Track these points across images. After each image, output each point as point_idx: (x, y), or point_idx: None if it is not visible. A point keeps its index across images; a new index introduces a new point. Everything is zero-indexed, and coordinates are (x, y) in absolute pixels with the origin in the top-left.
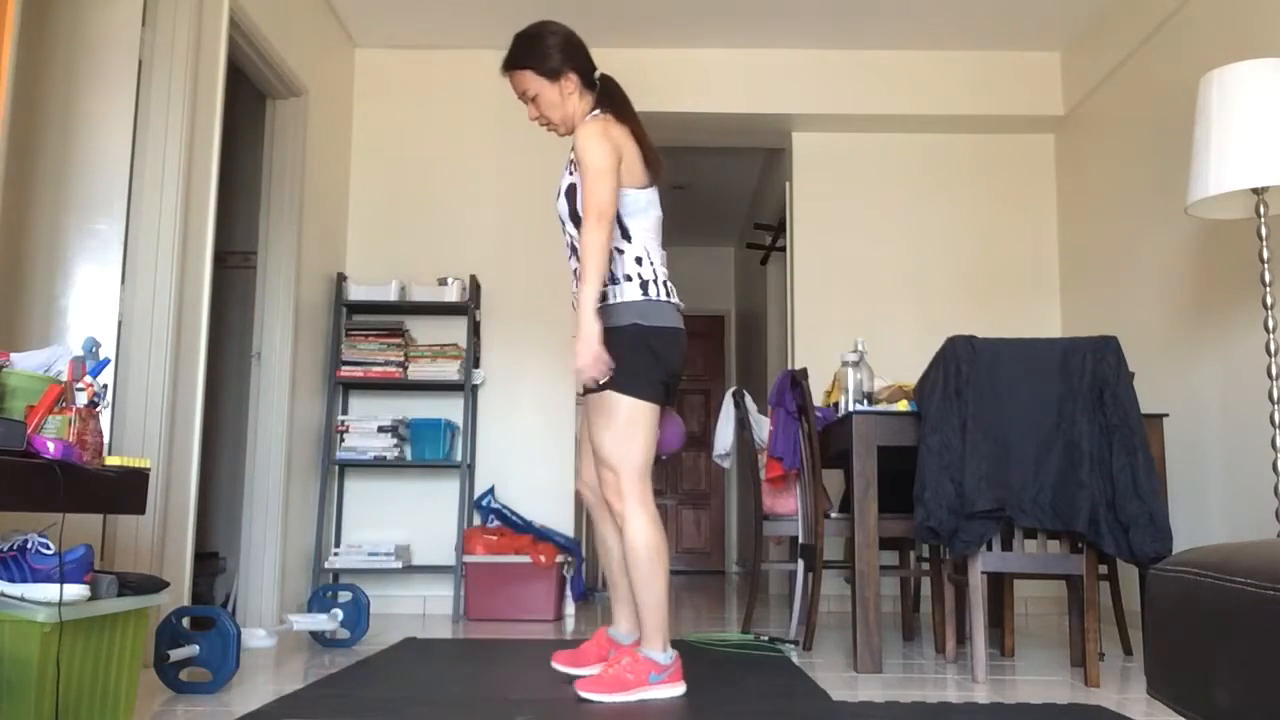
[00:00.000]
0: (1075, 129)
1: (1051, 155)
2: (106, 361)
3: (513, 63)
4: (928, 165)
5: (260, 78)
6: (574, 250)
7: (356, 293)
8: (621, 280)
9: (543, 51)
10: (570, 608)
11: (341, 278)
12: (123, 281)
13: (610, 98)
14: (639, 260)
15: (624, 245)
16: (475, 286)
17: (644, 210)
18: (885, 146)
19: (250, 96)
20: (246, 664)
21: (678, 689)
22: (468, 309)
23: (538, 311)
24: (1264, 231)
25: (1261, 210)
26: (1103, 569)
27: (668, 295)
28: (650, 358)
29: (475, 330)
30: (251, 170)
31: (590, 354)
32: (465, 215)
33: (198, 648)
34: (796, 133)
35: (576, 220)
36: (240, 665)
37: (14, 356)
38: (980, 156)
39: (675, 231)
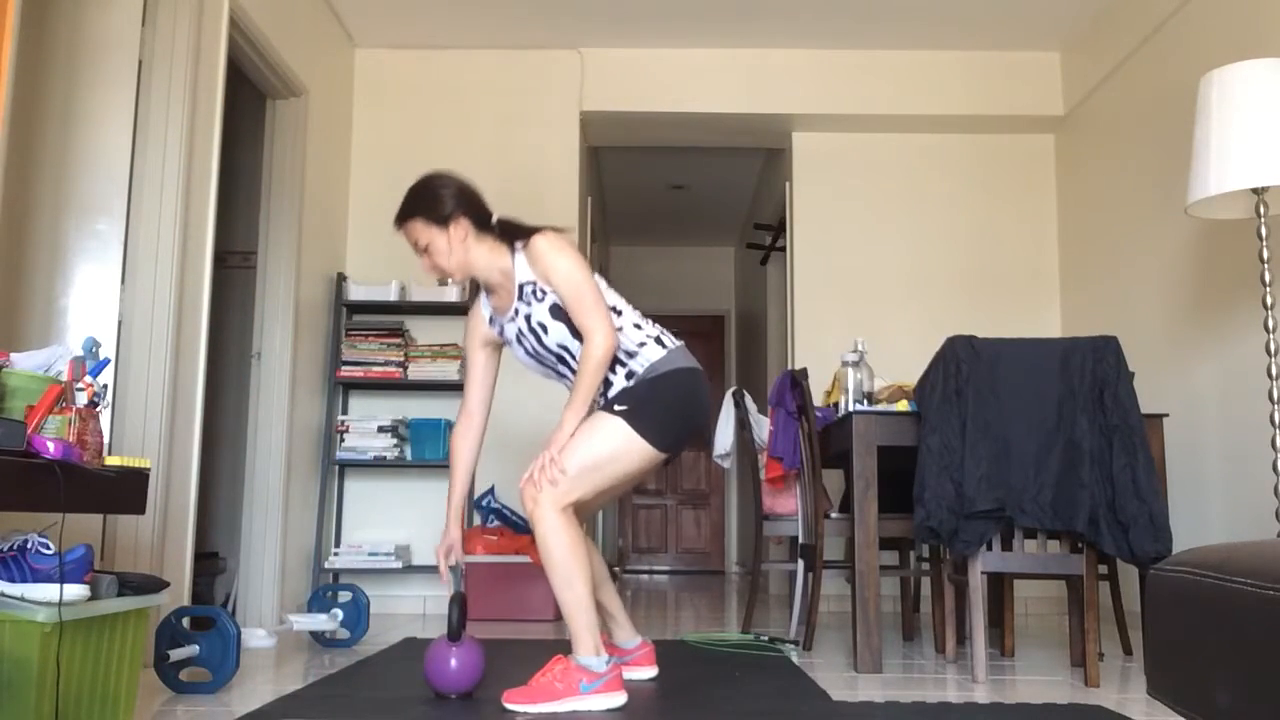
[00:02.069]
0: (1075, 129)
1: (1051, 155)
2: (106, 361)
3: (403, 215)
4: (928, 165)
5: (260, 78)
6: (571, 364)
7: (356, 293)
8: (637, 350)
9: (431, 200)
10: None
11: (341, 278)
12: (123, 281)
13: (511, 232)
14: (639, 326)
15: (619, 321)
16: (475, 286)
17: (608, 289)
18: (885, 146)
19: (250, 96)
20: (246, 664)
21: (616, 699)
22: (468, 309)
23: None
24: (1264, 231)
25: (1261, 210)
26: (1103, 569)
27: (678, 342)
28: (685, 398)
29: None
30: (251, 170)
31: (546, 457)
32: None
33: (198, 648)
34: (796, 133)
35: (578, 334)
36: (240, 665)
37: (14, 356)
38: (980, 156)
39: (675, 231)
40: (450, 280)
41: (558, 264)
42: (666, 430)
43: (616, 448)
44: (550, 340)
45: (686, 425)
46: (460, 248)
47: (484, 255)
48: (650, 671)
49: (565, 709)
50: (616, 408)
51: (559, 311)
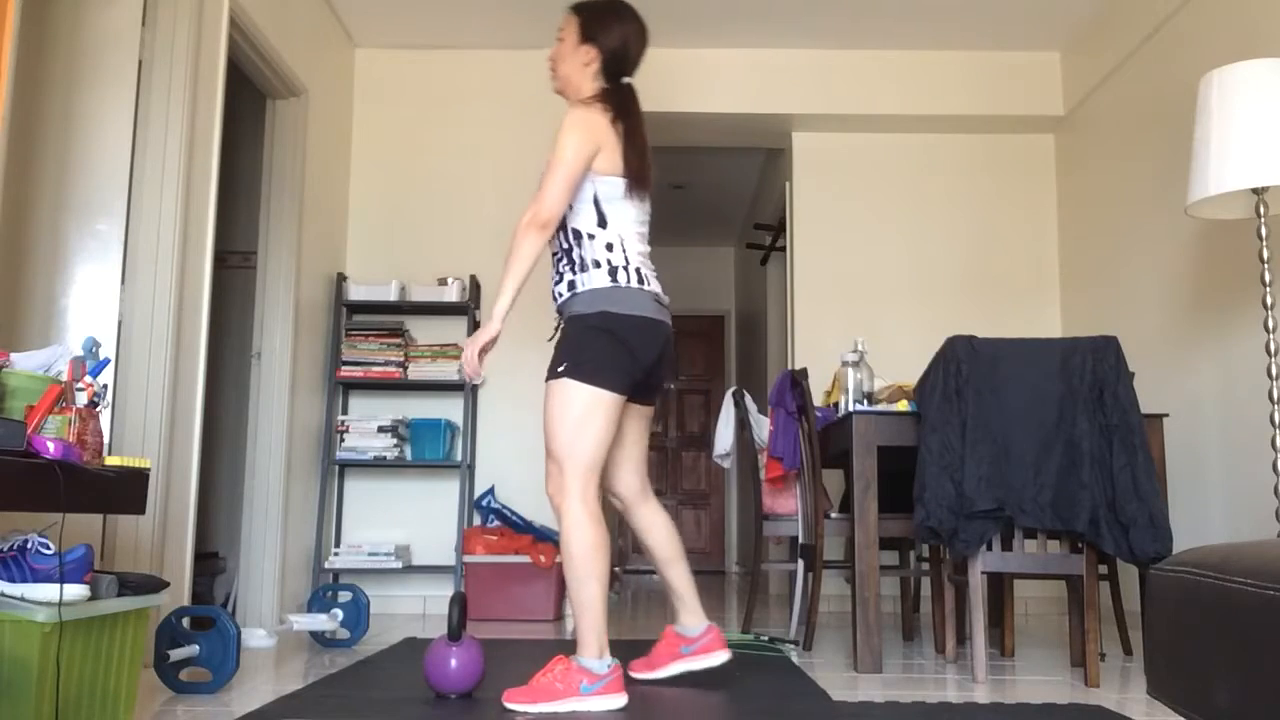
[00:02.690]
0: (1075, 129)
1: (1051, 155)
2: (106, 361)
3: (576, 7)
4: (928, 165)
5: (260, 78)
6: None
7: (356, 293)
8: (590, 267)
9: (600, 17)
10: (570, 608)
11: (341, 278)
12: (123, 281)
13: (619, 97)
14: (609, 246)
15: (596, 231)
16: (475, 286)
17: (621, 199)
18: (885, 146)
19: (250, 96)
20: (246, 664)
21: (616, 700)
22: (468, 309)
23: (538, 311)
24: (1264, 231)
25: (1261, 210)
26: (1103, 569)
27: (640, 283)
28: (616, 346)
29: (475, 330)
30: (251, 170)
31: (468, 352)
32: (465, 215)
33: (198, 648)
34: (796, 133)
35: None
36: (240, 665)
37: (14, 356)
38: (980, 156)
39: (675, 231)
40: (552, 80)
41: (563, 138)
42: (610, 374)
43: (579, 408)
44: None
45: (633, 364)
46: (576, 67)
47: (581, 90)
48: (723, 656)
49: (565, 709)
50: (558, 370)
51: None
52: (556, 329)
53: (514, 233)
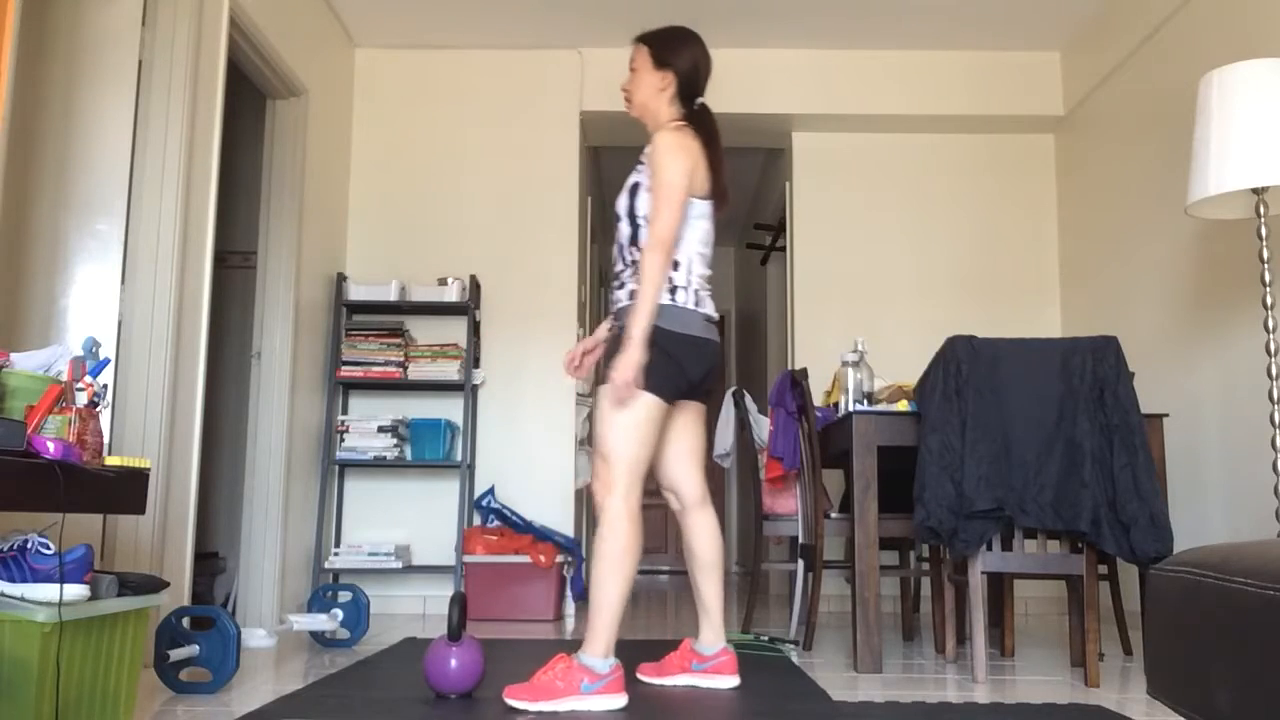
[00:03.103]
0: (1075, 129)
1: (1051, 155)
2: (106, 361)
3: (643, 37)
4: (928, 165)
5: (260, 78)
6: (621, 249)
7: (356, 293)
8: None
9: (669, 43)
10: (570, 608)
11: (341, 278)
12: (123, 281)
13: (700, 120)
14: (676, 265)
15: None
16: (475, 286)
17: (697, 219)
18: (885, 146)
19: (250, 96)
20: (246, 664)
21: (616, 700)
22: (468, 309)
23: (538, 311)
24: (1264, 231)
25: (1261, 210)
26: (1103, 569)
27: (696, 304)
28: (665, 360)
29: (475, 330)
30: (251, 170)
31: (624, 380)
32: (465, 215)
33: (198, 648)
34: (796, 133)
35: (631, 218)
36: (240, 665)
37: (14, 356)
38: (980, 156)
39: None
40: (628, 108)
41: (665, 161)
42: (661, 382)
43: (630, 409)
44: (621, 206)
45: (680, 377)
46: (653, 93)
47: (661, 115)
48: (731, 681)
49: (565, 708)
50: (612, 375)
51: (635, 190)
52: (610, 331)
53: (644, 259)
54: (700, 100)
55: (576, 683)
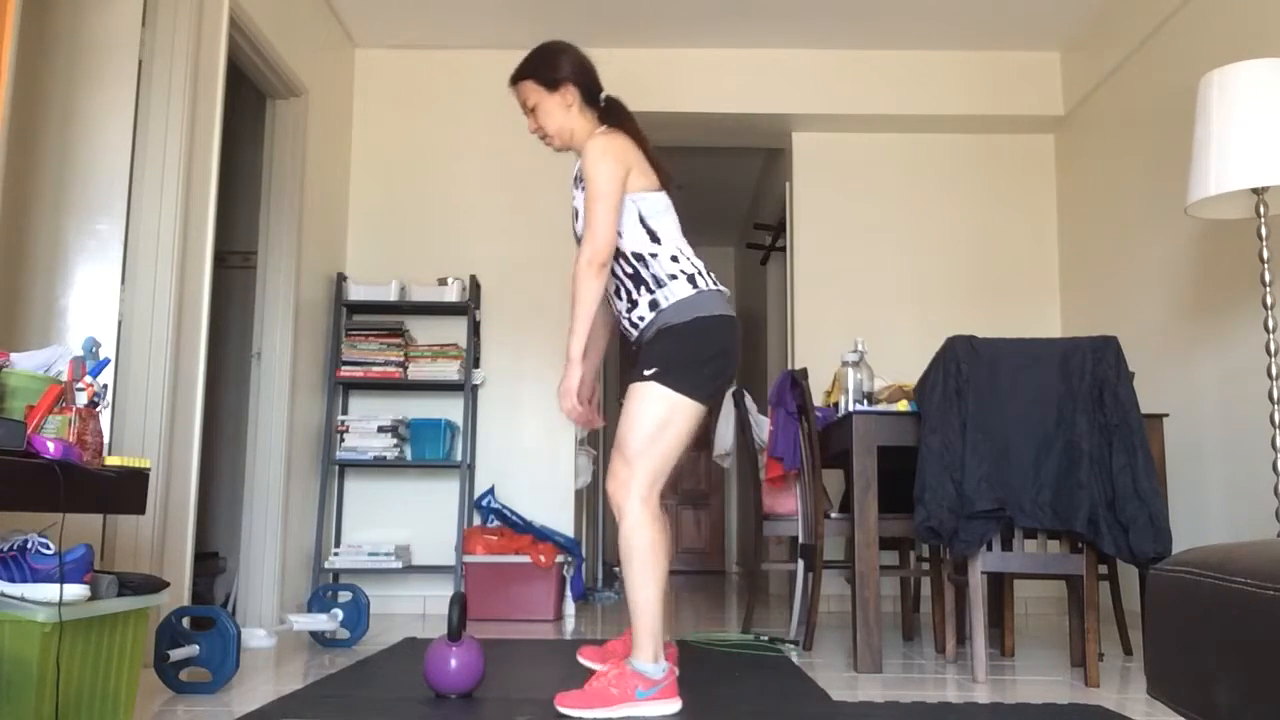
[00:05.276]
0: (1075, 129)
1: (1051, 155)
2: (106, 361)
3: (518, 74)
4: (928, 165)
5: (260, 78)
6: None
7: (356, 293)
8: (667, 281)
9: (546, 63)
10: (570, 608)
11: (341, 278)
12: (123, 281)
13: (615, 114)
14: (675, 258)
15: (655, 248)
16: (475, 286)
17: (664, 212)
18: (885, 146)
19: (250, 96)
20: (246, 664)
21: (671, 706)
22: (468, 309)
23: (538, 311)
24: (1264, 231)
25: (1261, 210)
26: (1103, 569)
27: (716, 285)
28: (714, 351)
29: (475, 330)
30: (251, 170)
31: (567, 404)
32: (465, 215)
33: (198, 648)
34: (796, 133)
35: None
36: (240, 665)
37: (14, 356)
38: (980, 156)
39: None
40: (551, 145)
41: (594, 170)
42: (701, 381)
43: (663, 412)
44: (579, 230)
45: (720, 372)
46: (563, 114)
47: (582, 128)
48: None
49: (619, 715)
50: (645, 373)
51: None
52: (635, 349)
53: (574, 277)
54: (605, 95)
55: (631, 689)
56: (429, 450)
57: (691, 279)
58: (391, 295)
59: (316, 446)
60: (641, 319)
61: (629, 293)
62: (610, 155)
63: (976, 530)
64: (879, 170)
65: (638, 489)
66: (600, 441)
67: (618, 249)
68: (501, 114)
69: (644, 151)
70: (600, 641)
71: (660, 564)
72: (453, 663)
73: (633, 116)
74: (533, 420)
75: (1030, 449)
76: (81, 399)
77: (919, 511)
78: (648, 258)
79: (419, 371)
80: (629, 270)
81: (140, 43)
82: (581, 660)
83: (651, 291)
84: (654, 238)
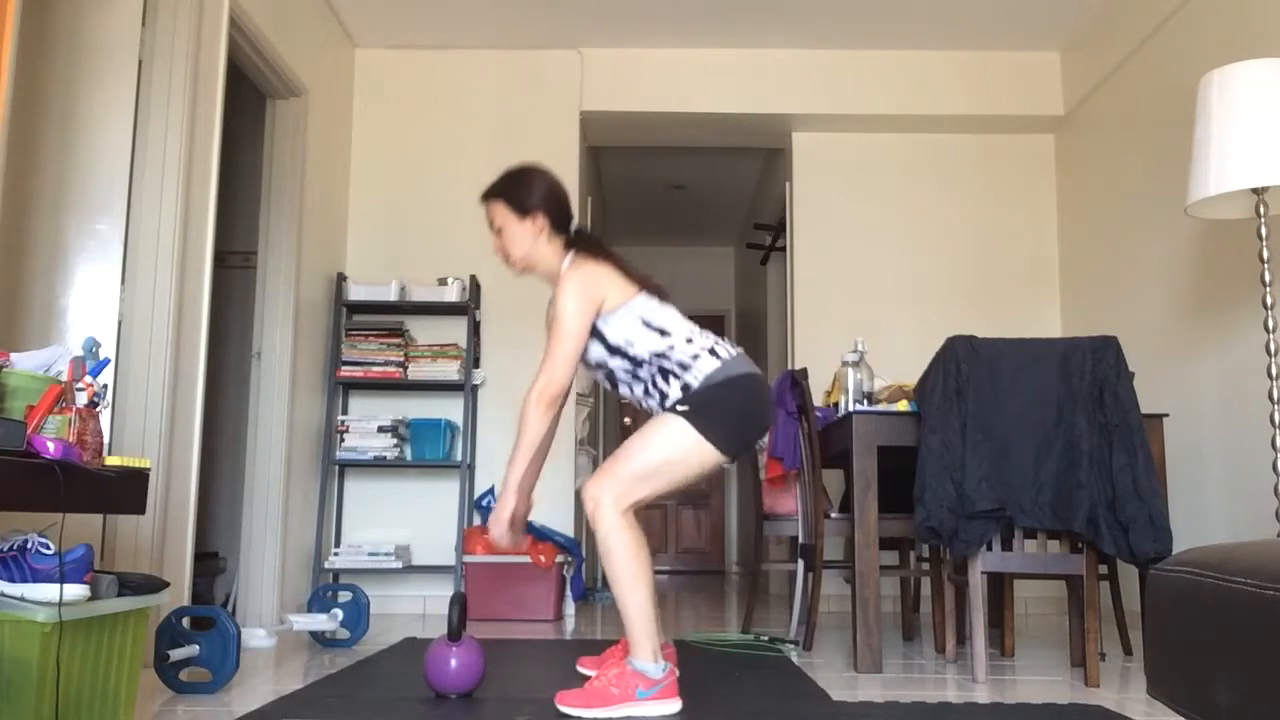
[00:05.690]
0: (1075, 129)
1: (1051, 155)
2: (106, 361)
3: (490, 192)
4: (928, 165)
5: (260, 78)
6: (632, 378)
7: (356, 293)
8: (691, 364)
9: (520, 188)
10: (570, 608)
11: (341, 278)
12: (123, 281)
13: (584, 243)
14: (690, 340)
15: (669, 340)
16: (475, 286)
17: (661, 307)
18: (885, 146)
19: (250, 96)
20: (246, 664)
21: (671, 706)
22: (468, 309)
23: (538, 311)
24: (1264, 231)
25: (1261, 210)
26: (1103, 569)
27: (736, 350)
28: (746, 403)
29: (475, 330)
30: (251, 170)
31: (497, 531)
32: (465, 215)
33: (198, 648)
34: (796, 133)
35: (612, 351)
36: (240, 665)
37: (14, 356)
38: (980, 156)
39: (675, 231)
40: (513, 269)
41: (563, 304)
42: (730, 433)
43: (679, 450)
44: (593, 357)
45: (750, 429)
46: (530, 242)
47: (548, 257)
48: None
49: (620, 714)
50: (679, 408)
51: (593, 334)
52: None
53: (523, 405)
54: (575, 225)
55: (631, 689)
56: (429, 450)
57: (712, 351)
58: (391, 295)
59: (316, 446)
60: (633, 398)
61: (660, 388)
62: (579, 290)
63: (976, 530)
64: (879, 170)
65: (611, 499)
66: (600, 442)
67: (635, 357)
68: (502, 114)
69: (622, 268)
70: (599, 650)
71: (645, 563)
72: (453, 663)
73: (601, 243)
74: None
75: (1030, 449)
76: (81, 399)
77: (919, 511)
78: (666, 352)
79: (419, 371)
80: (654, 369)
81: (140, 43)
82: (581, 670)
83: (679, 377)
84: (663, 333)
